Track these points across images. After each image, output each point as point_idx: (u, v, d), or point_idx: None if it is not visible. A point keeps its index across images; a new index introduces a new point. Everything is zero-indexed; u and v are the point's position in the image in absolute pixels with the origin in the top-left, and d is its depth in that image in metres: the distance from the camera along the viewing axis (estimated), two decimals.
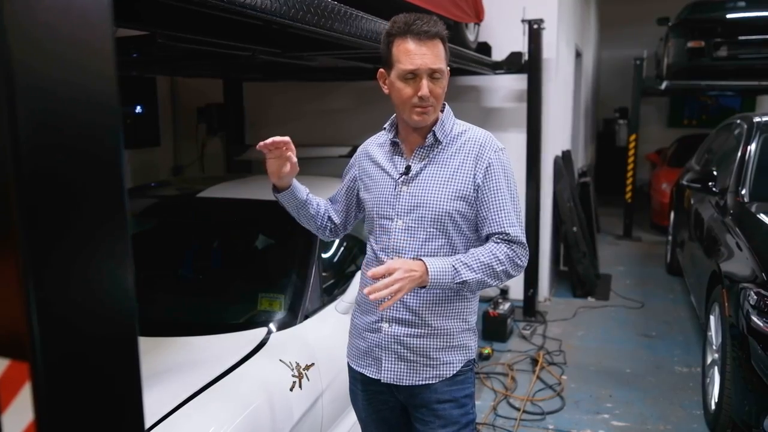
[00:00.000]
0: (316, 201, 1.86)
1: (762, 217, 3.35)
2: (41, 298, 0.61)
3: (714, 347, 3.24)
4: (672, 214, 5.95)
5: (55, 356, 0.64)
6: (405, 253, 1.65)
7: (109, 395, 0.71)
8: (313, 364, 2.08)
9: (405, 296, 1.64)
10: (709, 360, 3.33)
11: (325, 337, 2.27)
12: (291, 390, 1.94)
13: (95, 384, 0.69)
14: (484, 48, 4.66)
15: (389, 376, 1.71)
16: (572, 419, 3.29)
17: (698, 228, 4.23)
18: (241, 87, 5.28)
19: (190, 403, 1.70)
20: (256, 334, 2.11)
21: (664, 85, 7.65)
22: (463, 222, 1.65)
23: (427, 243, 1.65)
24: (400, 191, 1.68)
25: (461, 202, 1.63)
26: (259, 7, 1.75)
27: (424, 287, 1.55)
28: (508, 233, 1.61)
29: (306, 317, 2.28)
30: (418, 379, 1.69)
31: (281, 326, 2.19)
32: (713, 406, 3.08)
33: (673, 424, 3.23)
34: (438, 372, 1.68)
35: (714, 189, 3.97)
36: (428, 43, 1.59)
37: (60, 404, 0.64)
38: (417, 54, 1.58)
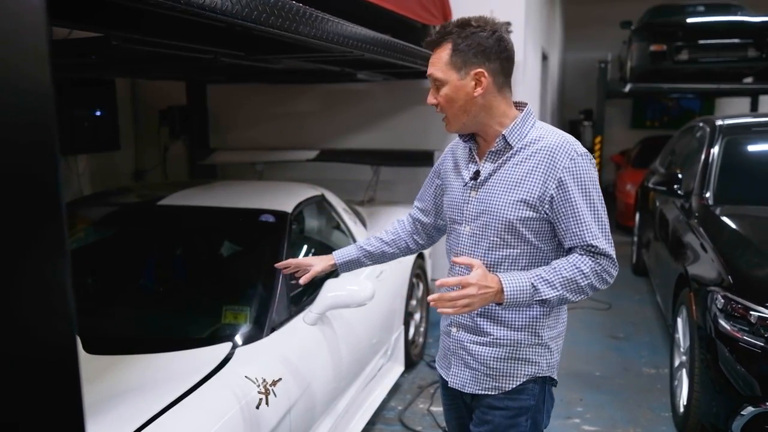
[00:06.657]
0: (383, 247, 1.90)
1: (726, 220, 3.39)
2: None
3: (681, 350, 3.27)
4: (637, 216, 6.02)
5: None
6: None
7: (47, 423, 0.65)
8: (280, 379, 2.00)
9: None
10: (676, 362, 3.36)
11: (292, 349, 2.20)
12: (257, 407, 1.87)
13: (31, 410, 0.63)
14: None
15: (455, 381, 1.72)
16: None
17: (663, 230, 4.28)
18: (205, 89, 5.16)
19: (151, 425, 1.61)
20: (220, 349, 2.03)
21: (627, 88, 7.78)
22: (528, 231, 1.57)
23: (490, 252, 1.60)
24: (469, 196, 1.64)
25: (527, 210, 1.55)
26: (220, 9, 1.68)
27: (501, 304, 1.51)
28: (592, 245, 1.54)
29: (272, 330, 2.20)
30: (478, 388, 1.68)
31: (246, 340, 2.11)
32: (682, 409, 3.10)
33: (643, 427, 3.25)
34: (497, 383, 1.66)
35: (679, 192, 4.01)
36: (435, 50, 1.60)
37: None
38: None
